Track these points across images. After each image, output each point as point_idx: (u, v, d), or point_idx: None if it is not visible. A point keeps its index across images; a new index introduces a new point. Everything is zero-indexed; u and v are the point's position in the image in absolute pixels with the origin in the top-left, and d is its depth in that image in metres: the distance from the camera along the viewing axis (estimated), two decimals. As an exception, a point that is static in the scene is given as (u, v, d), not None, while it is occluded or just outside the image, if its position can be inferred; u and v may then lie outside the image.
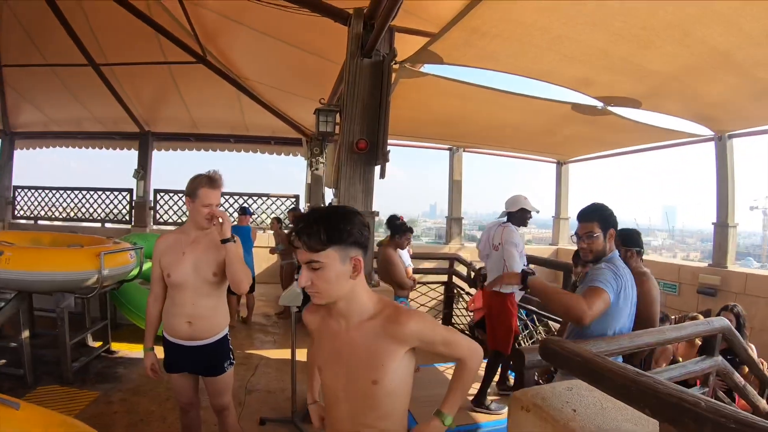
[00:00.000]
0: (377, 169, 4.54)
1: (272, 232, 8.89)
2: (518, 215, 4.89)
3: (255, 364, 5.84)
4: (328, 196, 10.19)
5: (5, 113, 11.33)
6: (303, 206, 10.52)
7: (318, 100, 7.72)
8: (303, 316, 1.90)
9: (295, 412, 4.46)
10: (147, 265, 6.50)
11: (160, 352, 3.07)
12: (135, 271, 6.05)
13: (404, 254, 5.26)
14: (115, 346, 6.41)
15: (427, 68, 5.56)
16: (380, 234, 8.44)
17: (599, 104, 6.16)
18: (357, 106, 4.47)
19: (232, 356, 3.19)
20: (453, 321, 7.47)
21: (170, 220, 11.51)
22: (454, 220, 11.72)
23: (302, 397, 4.60)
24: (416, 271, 7.24)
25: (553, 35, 4.33)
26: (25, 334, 5.19)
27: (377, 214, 4.62)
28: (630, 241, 3.66)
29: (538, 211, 4.88)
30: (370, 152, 4.43)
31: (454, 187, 11.49)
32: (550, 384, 2.10)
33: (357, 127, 4.46)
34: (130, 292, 6.70)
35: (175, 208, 11.53)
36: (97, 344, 6.35)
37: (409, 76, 5.40)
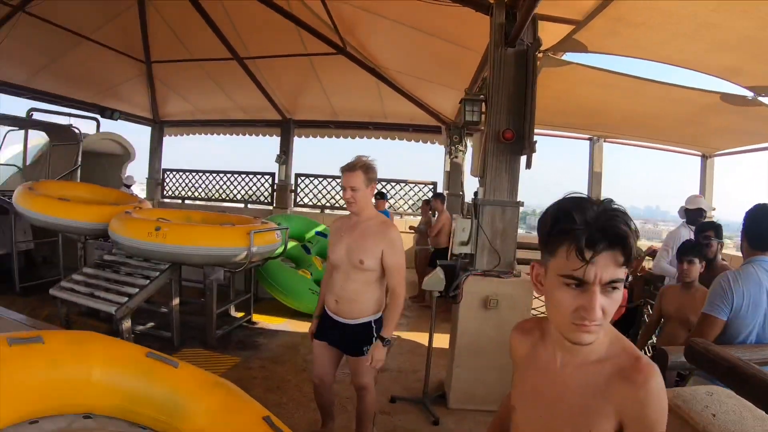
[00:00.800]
0: (523, 159, 4.52)
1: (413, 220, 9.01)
2: (692, 214, 4.82)
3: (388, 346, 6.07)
4: (468, 184, 10.32)
5: (155, 104, 12.39)
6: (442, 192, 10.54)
7: (456, 89, 7.83)
8: (512, 336, 1.50)
9: (426, 394, 4.57)
10: (291, 245, 6.89)
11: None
12: (280, 250, 6.42)
13: None
14: (255, 317, 6.91)
15: (568, 56, 5.46)
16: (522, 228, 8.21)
17: (749, 94, 5.75)
18: (502, 95, 4.49)
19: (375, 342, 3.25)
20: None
21: (309, 203, 12.02)
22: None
23: (435, 380, 4.75)
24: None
25: (701, 22, 4.12)
26: (175, 301, 5.75)
27: (522, 204, 4.60)
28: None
29: (713, 209, 4.85)
30: (516, 142, 4.43)
31: (594, 179, 10.98)
32: (691, 387, 2.08)
33: (503, 117, 4.48)
34: (273, 268, 7.13)
35: (315, 191, 11.99)
36: (239, 315, 6.87)
37: (552, 65, 5.32)
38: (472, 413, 4.43)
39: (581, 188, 11.30)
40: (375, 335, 3.22)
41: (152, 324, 5.95)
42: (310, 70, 9.60)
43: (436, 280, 4.46)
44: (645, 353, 3.20)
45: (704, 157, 10.58)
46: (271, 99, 10.96)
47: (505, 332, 3.99)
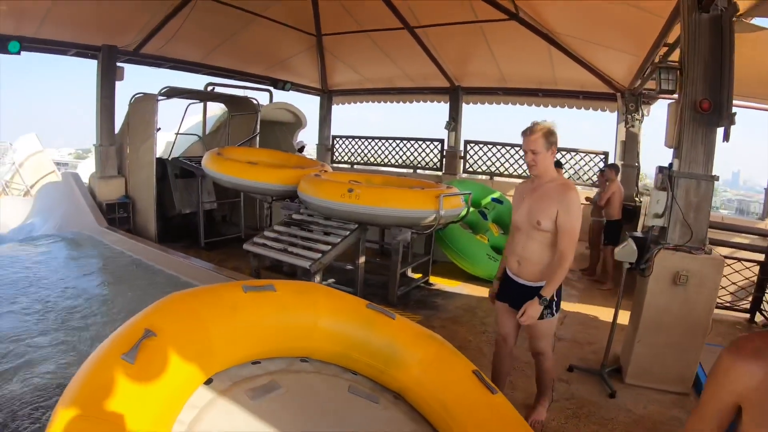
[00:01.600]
0: (720, 131, 4.30)
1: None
2: None
3: (562, 315, 6.01)
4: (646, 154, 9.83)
5: (324, 75, 12.96)
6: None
7: (633, 54, 7.51)
8: (731, 362, 1.20)
9: (604, 366, 4.57)
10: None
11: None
12: (463, 213, 6.58)
13: None
14: (432, 279, 7.17)
15: (757, 21, 5.02)
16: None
17: None
18: (699, 64, 4.27)
19: (554, 307, 3.28)
20: (762, 307, 6.68)
21: (479, 170, 11.98)
22: (776, 192, 10.16)
23: (614, 353, 4.74)
24: (725, 245, 6.62)
25: None
26: (361, 259, 6.05)
27: (717, 178, 4.40)
28: None
29: None
30: (713, 113, 4.23)
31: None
32: None
33: (699, 87, 4.28)
34: (454, 233, 7.37)
35: (485, 158, 11.93)
36: (417, 276, 7.14)
37: (744, 30, 4.92)
38: (647, 390, 4.39)
39: (750, 162, 10.15)
40: (556, 299, 3.26)
41: (333, 280, 6.32)
42: (479, 36, 9.53)
43: (629, 250, 4.38)
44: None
45: None
46: (440, 66, 11.03)
47: (691, 310, 3.89)
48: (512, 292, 3.36)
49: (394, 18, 9.44)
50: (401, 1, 9.06)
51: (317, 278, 5.48)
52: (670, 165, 4.51)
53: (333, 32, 10.97)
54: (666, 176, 4.48)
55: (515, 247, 3.33)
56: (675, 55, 5.92)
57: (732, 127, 4.19)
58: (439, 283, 7.14)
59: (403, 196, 5.85)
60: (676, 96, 4.66)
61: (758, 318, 6.64)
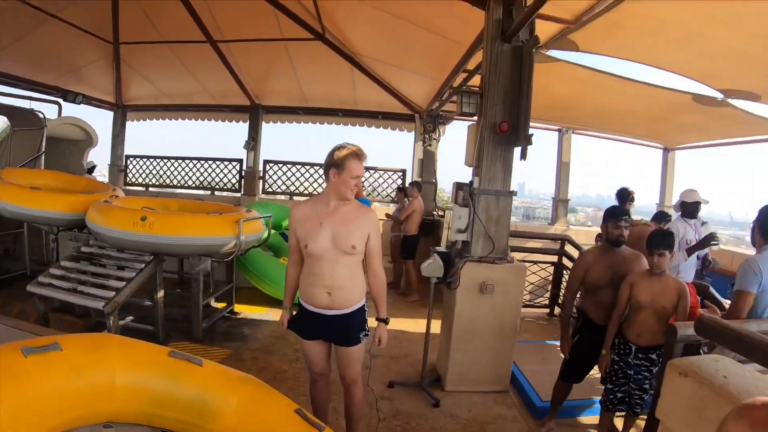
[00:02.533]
0: (517, 150, 4.72)
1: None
2: (689, 207, 5.37)
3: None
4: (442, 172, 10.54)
5: (119, 88, 11.94)
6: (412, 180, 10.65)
7: (432, 78, 8.01)
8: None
9: (424, 377, 4.75)
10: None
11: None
12: (265, 236, 6.40)
13: None
14: (237, 307, 6.81)
15: (554, 53, 5.67)
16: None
17: (719, 95, 6.18)
18: (498, 89, 4.65)
19: (367, 327, 3.24)
20: (558, 301, 7.62)
21: (278, 190, 11.92)
22: (560, 201, 11.64)
23: (430, 363, 4.94)
24: (523, 250, 7.48)
25: (689, 32, 4.47)
26: (160, 293, 5.50)
27: (515, 193, 4.83)
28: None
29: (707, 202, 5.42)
30: (511, 134, 4.62)
31: (562, 169, 11.37)
32: (698, 357, 2.47)
33: (498, 110, 4.66)
34: (255, 257, 7.08)
35: (284, 178, 11.92)
36: (221, 305, 6.72)
37: (541, 61, 5.52)
38: (468, 394, 4.66)
39: (550, 177, 11.76)
40: (366, 319, 3.23)
41: (131, 318, 5.73)
42: (283, 54, 9.50)
43: (435, 266, 4.61)
44: (614, 343, 3.65)
45: (666, 150, 11.09)
46: (241, 83, 10.81)
47: (499, 315, 4.21)
48: (325, 328, 3.15)
49: (198, 31, 9.02)
50: (206, 11, 8.66)
51: (112, 319, 4.86)
52: (471, 182, 4.84)
53: (132, 41, 10.14)
54: (467, 193, 4.79)
55: (321, 279, 3.06)
56: (474, 81, 6.43)
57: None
58: (245, 311, 6.84)
59: (200, 223, 5.53)
60: (476, 118, 4.99)
61: (557, 311, 7.60)
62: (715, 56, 4.92)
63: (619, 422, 3.97)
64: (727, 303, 4.79)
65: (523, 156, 4.67)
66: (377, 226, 3.13)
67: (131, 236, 5.17)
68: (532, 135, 4.52)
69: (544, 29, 4.95)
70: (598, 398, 4.07)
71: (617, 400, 3.75)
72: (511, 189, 4.81)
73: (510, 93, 4.67)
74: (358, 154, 3.01)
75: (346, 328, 3.16)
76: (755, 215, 3.36)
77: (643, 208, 7.08)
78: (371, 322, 3.23)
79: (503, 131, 4.58)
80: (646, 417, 3.10)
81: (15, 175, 6.73)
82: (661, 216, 6.27)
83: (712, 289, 5.13)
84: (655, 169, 11.72)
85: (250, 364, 5.04)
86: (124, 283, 5.06)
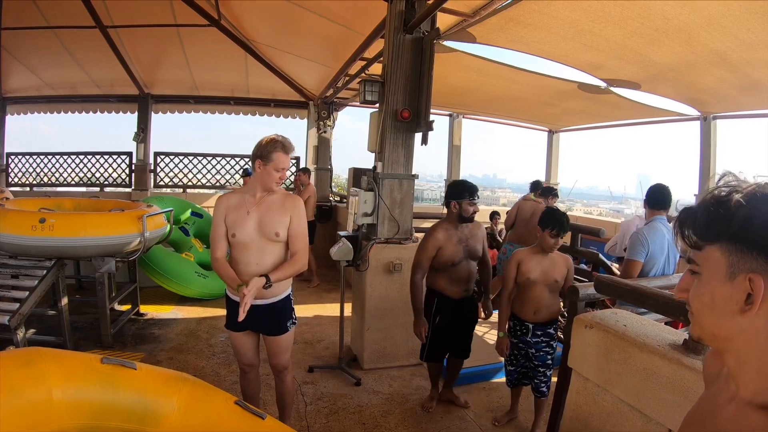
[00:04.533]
0: (418, 136, 4.96)
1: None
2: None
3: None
4: (336, 158, 10.73)
5: (-1, 79, 10.94)
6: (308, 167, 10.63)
7: (327, 66, 8.15)
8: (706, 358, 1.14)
9: (342, 359, 4.89)
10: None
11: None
12: (167, 232, 6.28)
13: None
14: (143, 308, 6.58)
15: (452, 44, 5.94)
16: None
17: (603, 84, 6.77)
18: (400, 78, 4.84)
19: (294, 316, 3.31)
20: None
21: (171, 183, 11.41)
22: (452, 184, 11.91)
23: (346, 344, 5.11)
24: (422, 230, 7.69)
25: (580, 29, 4.88)
26: (64, 301, 5.17)
27: (417, 176, 5.08)
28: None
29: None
30: (412, 121, 4.85)
31: (454, 152, 11.79)
32: (599, 311, 2.80)
33: (400, 98, 4.86)
34: (157, 254, 6.86)
35: (176, 170, 11.44)
36: (125, 307, 6.44)
37: (440, 51, 5.76)
38: (386, 370, 4.91)
39: (443, 161, 12.15)
40: (293, 308, 3.30)
41: (33, 331, 5.21)
42: (175, 40, 9.16)
43: (345, 250, 4.74)
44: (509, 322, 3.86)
45: (551, 132, 11.86)
46: (130, 71, 10.23)
47: (407, 293, 4.49)
48: (253, 317, 2.99)
49: (88, 15, 8.39)
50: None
51: (20, 333, 4.51)
52: (374, 167, 5.02)
53: (14, 26, 9.21)
54: (371, 178, 4.97)
55: (247, 267, 3.09)
56: (374, 69, 6.59)
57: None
58: (151, 311, 6.59)
59: (104, 222, 5.29)
60: (377, 106, 5.17)
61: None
62: (601, 50, 5.38)
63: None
64: (614, 267, 5.33)
65: (424, 141, 4.92)
66: (300, 210, 3.16)
67: (30, 241, 4.84)
68: (433, 121, 4.78)
69: (444, 21, 5.16)
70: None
71: (521, 376, 3.90)
72: (413, 173, 5.05)
73: (411, 81, 4.89)
74: (284, 146, 3.05)
75: (274, 317, 3.20)
76: (632, 190, 3.80)
77: (525, 185, 7.60)
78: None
79: (404, 118, 4.80)
80: (558, 371, 3.27)
81: None
82: (547, 191, 6.82)
83: (602, 256, 5.62)
84: (540, 149, 12.54)
85: (167, 365, 4.60)
86: (27, 292, 4.68)
